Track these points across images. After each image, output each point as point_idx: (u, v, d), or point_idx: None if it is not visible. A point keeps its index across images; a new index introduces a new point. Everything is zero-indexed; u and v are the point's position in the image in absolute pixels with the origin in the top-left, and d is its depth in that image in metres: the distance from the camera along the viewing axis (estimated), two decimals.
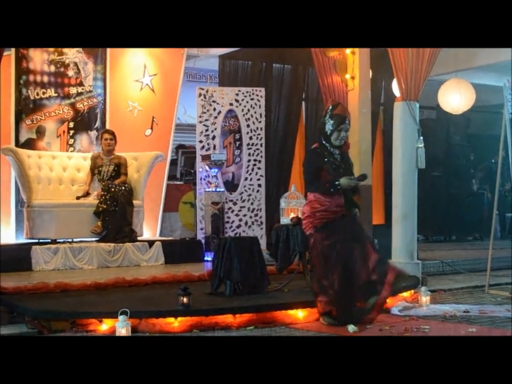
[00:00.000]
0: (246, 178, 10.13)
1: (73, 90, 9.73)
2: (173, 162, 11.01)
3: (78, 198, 9.00)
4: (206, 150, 9.86)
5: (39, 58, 9.47)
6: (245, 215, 10.10)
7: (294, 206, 7.06)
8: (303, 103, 11.70)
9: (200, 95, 9.96)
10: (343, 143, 5.83)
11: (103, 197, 8.77)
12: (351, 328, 5.52)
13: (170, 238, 9.95)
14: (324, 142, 5.83)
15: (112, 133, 9.27)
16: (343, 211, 5.79)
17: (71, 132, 9.71)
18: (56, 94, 9.60)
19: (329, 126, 5.74)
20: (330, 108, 5.83)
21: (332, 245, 5.69)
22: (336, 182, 5.65)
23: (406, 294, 7.08)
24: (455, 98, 10.31)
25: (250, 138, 10.16)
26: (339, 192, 5.76)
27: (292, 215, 6.95)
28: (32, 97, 9.41)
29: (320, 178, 5.77)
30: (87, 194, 9.10)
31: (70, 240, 8.69)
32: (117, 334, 5.16)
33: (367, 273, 5.72)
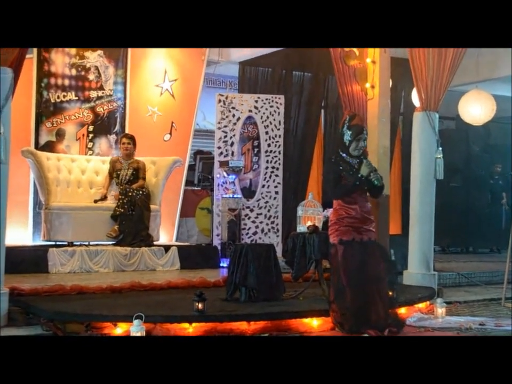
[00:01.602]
0: (263, 185, 10.13)
1: (93, 94, 9.79)
2: (191, 168, 11.04)
3: (95, 201, 9.03)
4: (224, 156, 9.88)
5: (60, 61, 9.53)
6: (261, 222, 10.10)
7: (311, 214, 7.04)
8: (322, 110, 11.69)
9: (219, 101, 9.99)
10: (361, 153, 5.85)
11: (121, 201, 8.80)
12: None
13: (186, 243, 9.97)
14: (341, 152, 5.84)
15: (131, 137, 9.30)
16: (371, 219, 5.78)
17: (91, 135, 9.76)
18: (76, 98, 9.65)
19: (347, 136, 5.78)
20: (348, 119, 5.86)
21: (352, 262, 5.67)
22: (359, 175, 5.66)
23: (421, 305, 7.06)
24: (476, 109, 10.28)
25: (269, 145, 10.16)
26: (364, 198, 5.77)
27: (309, 223, 6.93)
28: (52, 100, 9.47)
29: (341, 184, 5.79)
30: (104, 197, 9.13)
31: (87, 243, 8.72)
32: None
33: (381, 293, 5.73)
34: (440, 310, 6.70)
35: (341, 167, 5.78)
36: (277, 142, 10.22)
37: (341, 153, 5.84)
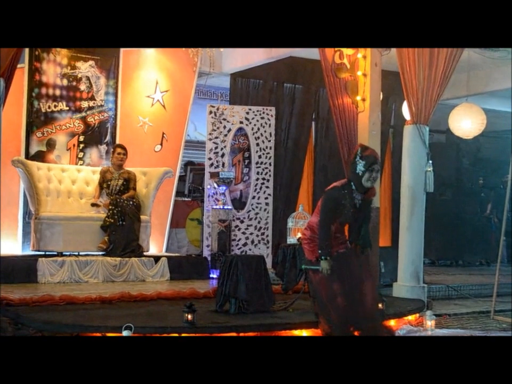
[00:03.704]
0: (253, 197, 10.13)
1: (84, 104, 9.79)
2: (181, 179, 11.03)
3: (92, 204, 9.00)
4: (215, 168, 9.88)
5: (52, 71, 9.54)
6: (251, 234, 10.10)
7: (301, 226, 7.06)
8: (313, 122, 11.72)
9: (210, 112, 10.00)
10: (374, 184, 5.70)
11: (111, 211, 8.78)
12: None
13: (176, 254, 9.95)
14: (352, 184, 5.68)
15: (125, 148, 9.30)
16: (346, 242, 5.68)
17: (81, 145, 9.76)
18: (67, 108, 9.65)
19: (360, 166, 5.55)
20: (360, 150, 5.63)
21: (332, 281, 5.59)
22: (322, 258, 5.56)
23: (411, 318, 7.06)
24: (466, 123, 10.31)
25: (260, 157, 10.17)
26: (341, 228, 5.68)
27: (299, 235, 6.95)
28: (43, 110, 9.46)
29: (332, 220, 5.67)
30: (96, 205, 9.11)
31: (77, 253, 8.70)
32: None
33: (366, 309, 5.67)
34: (430, 323, 6.71)
35: (343, 201, 5.62)
36: (268, 153, 10.23)
37: (352, 184, 5.70)
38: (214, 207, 9.49)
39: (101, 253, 8.75)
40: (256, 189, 10.14)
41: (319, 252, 5.51)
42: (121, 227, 8.74)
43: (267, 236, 10.17)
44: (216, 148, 9.97)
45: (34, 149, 9.39)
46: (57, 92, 9.59)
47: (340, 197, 5.59)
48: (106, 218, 8.77)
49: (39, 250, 8.62)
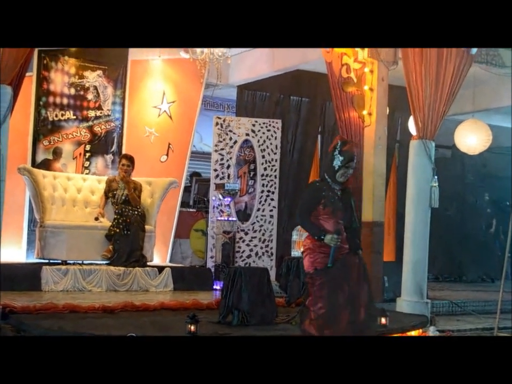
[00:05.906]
0: (258, 209, 10.14)
1: (91, 113, 9.82)
2: (187, 189, 11.05)
3: (96, 219, 9.00)
4: (220, 179, 9.89)
5: (59, 80, 9.58)
6: (255, 246, 10.10)
7: None
8: (319, 136, 11.73)
9: (217, 124, 10.02)
10: (346, 180, 5.72)
11: (116, 221, 8.80)
12: None
13: (180, 265, 9.96)
14: (326, 176, 5.70)
15: (130, 159, 9.25)
16: (345, 247, 5.63)
17: (87, 154, 9.79)
18: (74, 117, 9.69)
19: (337, 161, 5.57)
20: (340, 143, 5.63)
21: (331, 293, 5.51)
22: (322, 236, 5.51)
23: (414, 333, 7.04)
24: (472, 139, 10.32)
25: (265, 169, 10.19)
26: (340, 224, 5.62)
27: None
28: (50, 119, 9.50)
29: (314, 214, 5.64)
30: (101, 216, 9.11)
31: (80, 262, 8.70)
32: None
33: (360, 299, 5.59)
34: None
35: (323, 193, 5.63)
36: (273, 166, 10.25)
37: (326, 177, 5.71)
38: (219, 218, 9.50)
39: (104, 262, 8.76)
40: (261, 201, 10.15)
41: (315, 237, 5.47)
42: (125, 236, 8.75)
43: (271, 248, 10.17)
44: (222, 159, 9.99)
45: (40, 157, 9.43)
46: (65, 101, 9.63)
47: (318, 189, 5.55)
48: (112, 227, 8.79)
49: (43, 258, 8.63)
